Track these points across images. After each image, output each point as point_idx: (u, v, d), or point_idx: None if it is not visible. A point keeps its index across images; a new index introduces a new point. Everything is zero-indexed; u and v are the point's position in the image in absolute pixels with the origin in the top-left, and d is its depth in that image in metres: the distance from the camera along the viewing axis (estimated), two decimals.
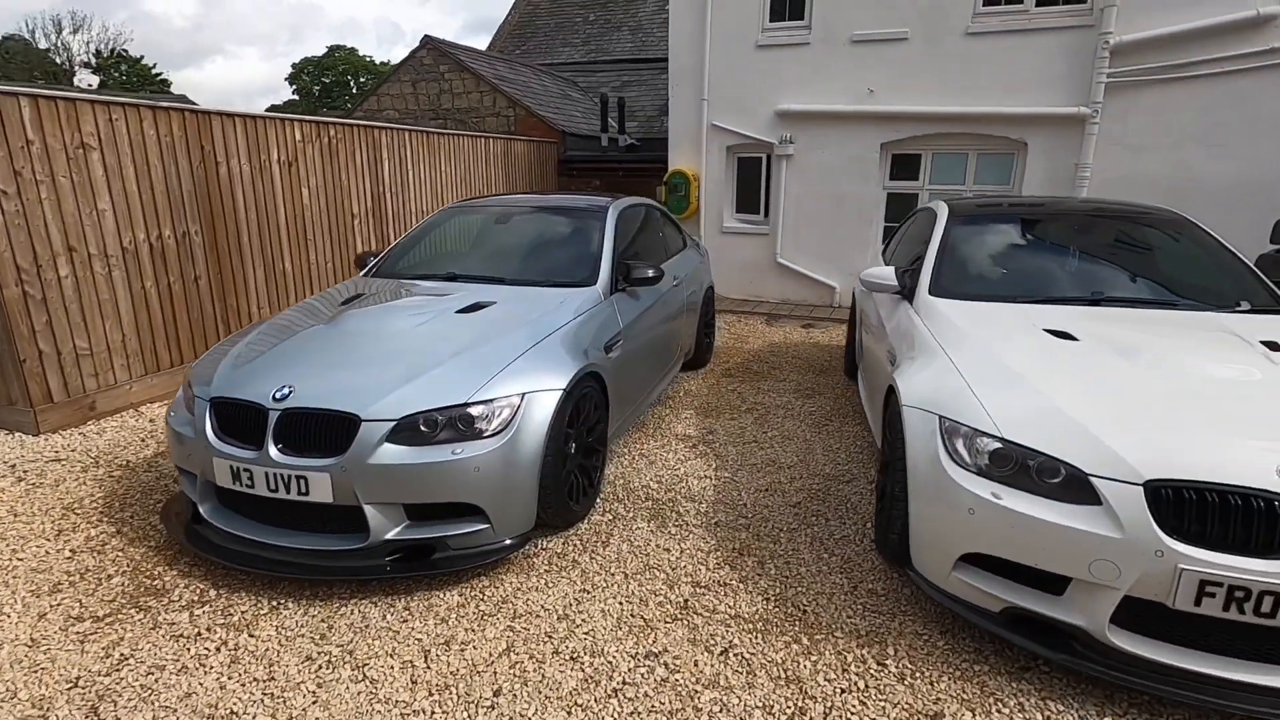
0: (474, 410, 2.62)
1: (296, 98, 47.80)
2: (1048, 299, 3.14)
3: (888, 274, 3.62)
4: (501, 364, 2.78)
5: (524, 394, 2.73)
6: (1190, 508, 1.95)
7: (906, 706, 2.08)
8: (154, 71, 45.47)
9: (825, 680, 2.19)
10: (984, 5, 7.45)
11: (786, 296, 8.86)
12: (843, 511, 3.27)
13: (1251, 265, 3.29)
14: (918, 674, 2.22)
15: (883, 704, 2.09)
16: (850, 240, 8.36)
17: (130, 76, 43.90)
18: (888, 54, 7.86)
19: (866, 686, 2.16)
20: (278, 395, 2.59)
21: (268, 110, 9.65)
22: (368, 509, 2.51)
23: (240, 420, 2.66)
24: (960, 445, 2.31)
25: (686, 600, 2.59)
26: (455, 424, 2.59)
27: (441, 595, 2.57)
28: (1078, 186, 7.33)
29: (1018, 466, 2.17)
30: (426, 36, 10.73)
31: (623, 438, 4.13)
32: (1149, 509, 1.97)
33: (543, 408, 2.76)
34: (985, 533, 2.18)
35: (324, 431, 2.53)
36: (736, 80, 8.56)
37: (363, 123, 6.45)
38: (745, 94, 8.55)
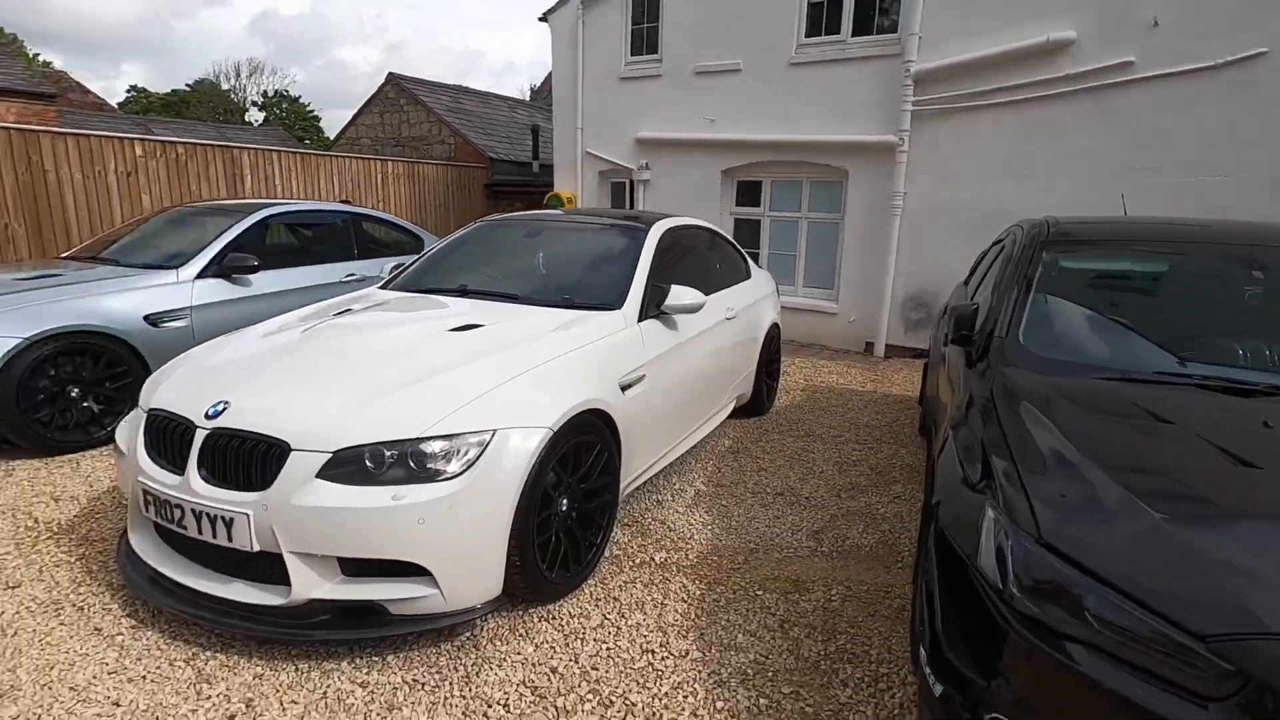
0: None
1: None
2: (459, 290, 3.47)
3: None
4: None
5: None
6: (156, 434, 2.38)
7: None
8: (309, 111, 52.04)
9: None
10: (806, 37, 7.53)
11: None
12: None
13: (641, 271, 3.40)
14: None
15: None
16: None
17: (288, 114, 50.52)
18: (725, 84, 8.09)
19: None
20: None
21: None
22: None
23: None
24: None
25: None
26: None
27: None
28: (890, 215, 7.16)
29: None
30: (391, 73, 12.15)
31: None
32: (143, 436, 2.41)
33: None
34: None
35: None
36: (604, 111, 9.09)
37: (216, 143, 7.69)
38: (611, 123, 9.05)
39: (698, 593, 2.68)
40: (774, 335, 5.15)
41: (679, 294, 3.33)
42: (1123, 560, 1.46)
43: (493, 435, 2.23)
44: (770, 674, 2.21)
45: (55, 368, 3.79)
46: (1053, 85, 6.21)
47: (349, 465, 2.12)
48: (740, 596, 2.66)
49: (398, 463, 2.13)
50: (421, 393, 2.33)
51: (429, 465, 2.14)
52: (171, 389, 2.48)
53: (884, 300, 7.39)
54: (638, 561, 2.91)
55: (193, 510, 2.17)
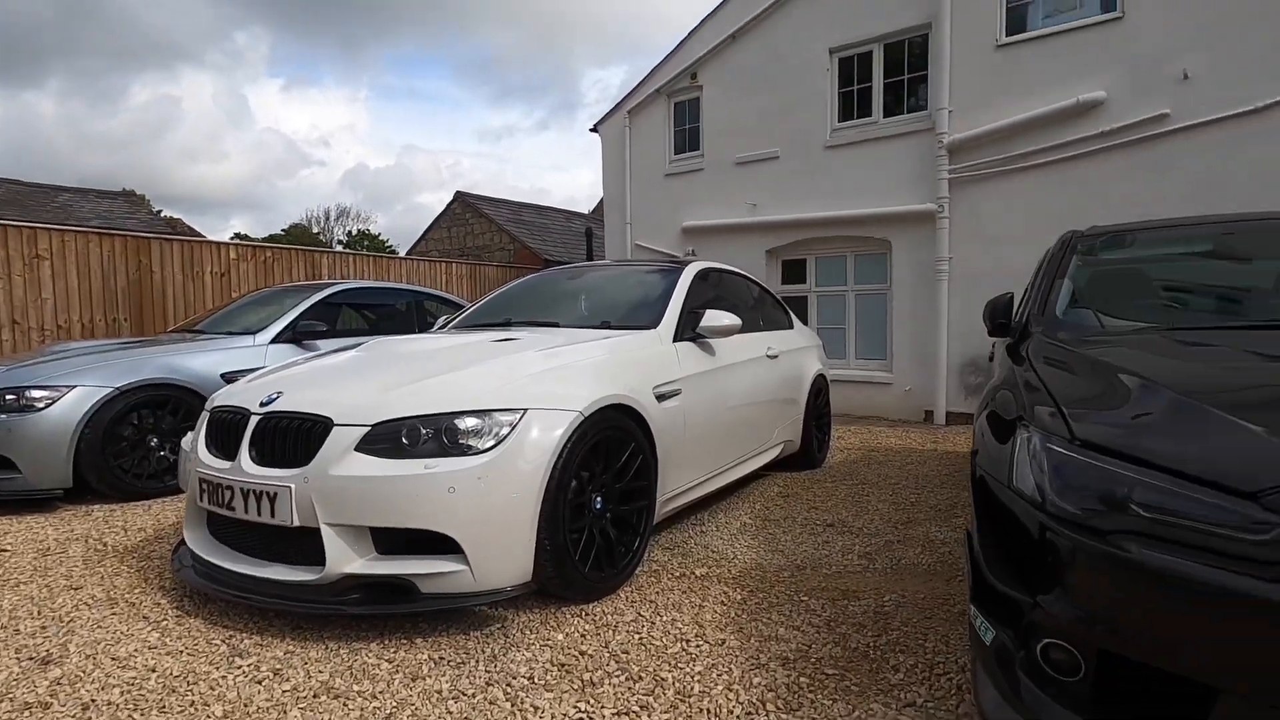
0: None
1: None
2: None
3: None
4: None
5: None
6: (215, 428, 2.53)
7: None
8: (389, 246, 56.47)
9: None
10: (839, 121, 7.96)
11: None
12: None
13: (677, 297, 3.51)
14: None
15: None
16: None
17: (369, 248, 54.84)
18: (765, 171, 8.52)
19: None
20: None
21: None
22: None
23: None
24: None
25: None
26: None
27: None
28: (938, 280, 7.16)
29: None
30: (458, 191, 13.31)
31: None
32: (204, 432, 2.57)
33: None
34: None
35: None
36: (651, 205, 9.65)
37: (301, 247, 8.50)
38: (658, 216, 9.57)
39: (738, 598, 2.55)
40: (821, 387, 5.10)
41: (714, 316, 3.41)
42: (1159, 441, 1.38)
43: (523, 415, 2.29)
44: (813, 659, 2.05)
45: (139, 418, 4.10)
46: (1090, 142, 6.30)
47: (385, 440, 2.20)
48: (784, 601, 2.52)
49: (432, 438, 2.20)
50: (458, 378, 2.44)
51: (461, 441, 2.20)
52: (231, 392, 2.68)
53: (940, 367, 7.24)
54: (677, 575, 2.81)
55: (241, 490, 2.27)
